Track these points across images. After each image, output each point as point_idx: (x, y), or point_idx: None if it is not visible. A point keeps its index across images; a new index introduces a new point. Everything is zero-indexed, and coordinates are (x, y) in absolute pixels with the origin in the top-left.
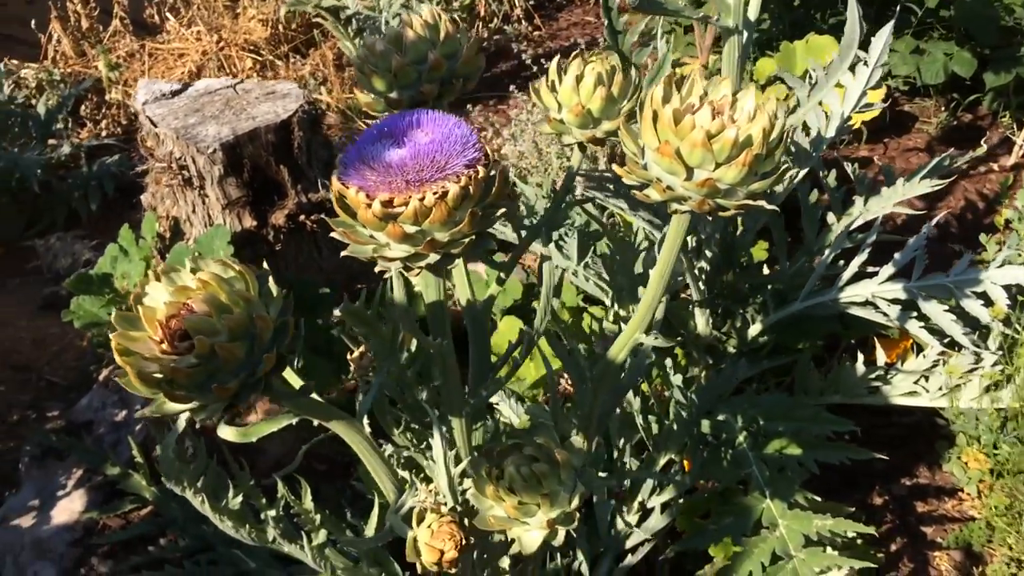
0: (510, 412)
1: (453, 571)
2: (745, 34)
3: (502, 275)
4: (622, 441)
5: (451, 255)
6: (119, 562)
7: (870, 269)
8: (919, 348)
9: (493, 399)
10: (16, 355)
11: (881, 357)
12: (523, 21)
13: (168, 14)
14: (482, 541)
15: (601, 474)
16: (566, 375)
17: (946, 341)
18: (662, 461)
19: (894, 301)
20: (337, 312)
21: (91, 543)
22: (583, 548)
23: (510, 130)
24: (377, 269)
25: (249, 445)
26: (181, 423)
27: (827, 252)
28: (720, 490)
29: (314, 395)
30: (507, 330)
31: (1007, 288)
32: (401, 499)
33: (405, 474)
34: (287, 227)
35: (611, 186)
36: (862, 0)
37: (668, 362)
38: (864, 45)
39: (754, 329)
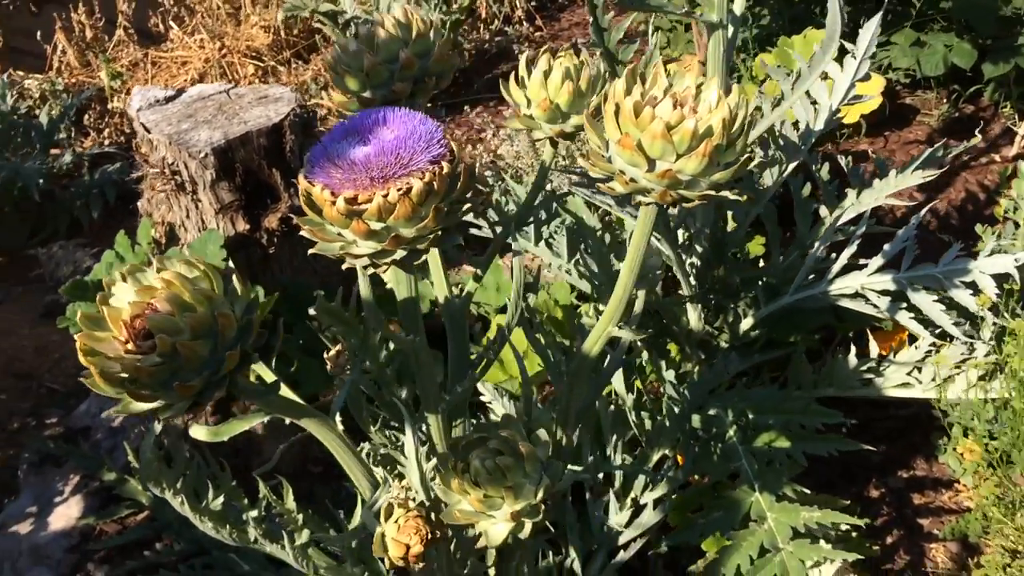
0: (502, 410)
1: (420, 565)
2: (731, 29)
3: (478, 272)
4: (614, 437)
5: (417, 251)
6: (115, 567)
7: (861, 261)
8: (914, 340)
9: (485, 397)
10: (18, 363)
11: (874, 349)
12: (524, 22)
13: (172, 23)
14: (458, 536)
15: (575, 467)
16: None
17: (938, 332)
18: (655, 457)
19: (884, 292)
20: (312, 311)
21: (88, 549)
22: (576, 545)
23: (507, 130)
24: (344, 267)
25: (246, 446)
26: (157, 425)
27: (817, 245)
28: (712, 484)
29: (292, 393)
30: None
31: (997, 277)
32: (375, 496)
33: (381, 471)
34: (280, 230)
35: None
36: None
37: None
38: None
39: (746, 323)
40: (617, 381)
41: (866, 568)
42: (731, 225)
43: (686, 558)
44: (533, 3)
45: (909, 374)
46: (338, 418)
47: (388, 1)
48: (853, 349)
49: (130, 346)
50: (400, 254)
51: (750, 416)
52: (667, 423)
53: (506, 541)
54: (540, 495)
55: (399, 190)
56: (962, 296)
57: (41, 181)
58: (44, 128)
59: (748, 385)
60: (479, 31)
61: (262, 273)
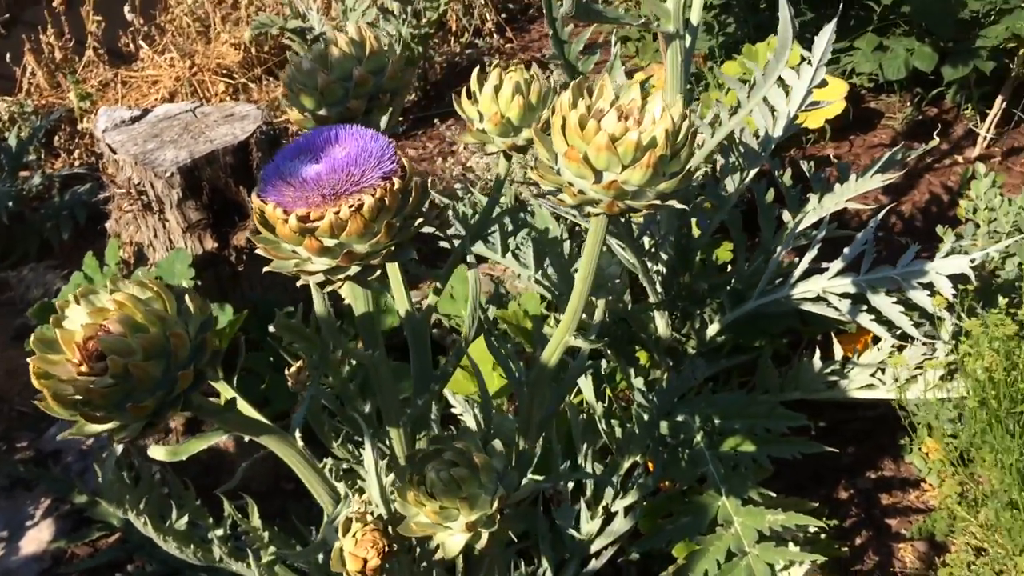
0: (472, 422)
1: None
2: (688, 39)
3: (438, 284)
4: (585, 446)
5: (371, 266)
6: None
7: (824, 265)
8: (879, 341)
9: (455, 409)
10: None
11: (838, 352)
12: (495, 34)
13: (142, 42)
14: (422, 548)
15: (536, 477)
16: None
17: (901, 333)
18: (626, 464)
19: (844, 295)
20: (272, 327)
21: (60, 572)
22: (547, 554)
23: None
24: (299, 283)
25: (216, 465)
26: (118, 447)
27: (779, 250)
28: (682, 490)
29: (252, 410)
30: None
31: (954, 278)
32: (336, 510)
33: (343, 487)
34: (249, 247)
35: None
36: (821, 0)
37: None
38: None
39: (712, 329)
40: (587, 390)
41: (835, 569)
42: (696, 232)
43: (658, 565)
44: (503, 15)
45: (873, 375)
46: (298, 434)
47: (357, 17)
48: (818, 352)
49: (83, 368)
50: (354, 270)
51: (716, 421)
52: (637, 430)
53: (464, 551)
54: (496, 505)
55: (351, 207)
56: (920, 297)
57: (11, 203)
58: (13, 150)
59: (717, 390)
60: (450, 44)
61: (231, 291)
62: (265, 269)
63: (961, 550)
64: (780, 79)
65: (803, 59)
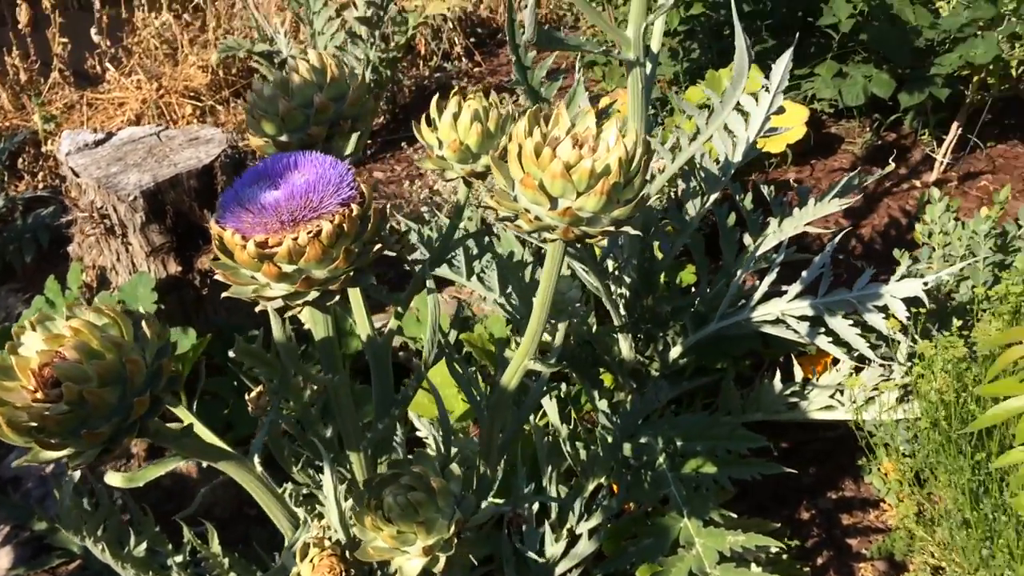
0: (437, 445)
1: None
2: (649, 66)
3: (399, 309)
4: (550, 468)
5: (330, 292)
6: None
7: (784, 288)
8: (838, 363)
9: (421, 433)
10: None
11: (799, 373)
12: (463, 58)
13: (108, 64)
14: (383, 572)
15: (497, 500)
16: None
17: (858, 355)
18: (591, 487)
19: (803, 318)
20: (232, 352)
21: None
22: None
23: None
24: (258, 309)
25: (179, 491)
26: (76, 473)
27: (739, 273)
28: (645, 512)
29: (211, 435)
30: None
31: (908, 300)
32: (295, 536)
33: (303, 512)
34: (213, 271)
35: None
36: (783, 27)
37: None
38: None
39: (675, 351)
40: (552, 412)
41: None
42: (658, 255)
43: None
44: (472, 40)
45: (832, 397)
46: (257, 459)
47: (325, 41)
48: (779, 374)
49: (39, 395)
50: (313, 295)
51: (679, 443)
52: (601, 453)
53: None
54: (453, 529)
55: (309, 233)
56: (875, 320)
57: None
58: None
59: (680, 412)
60: (419, 67)
61: (196, 315)
62: (223, 295)
63: (919, 569)
64: (740, 106)
65: (764, 86)
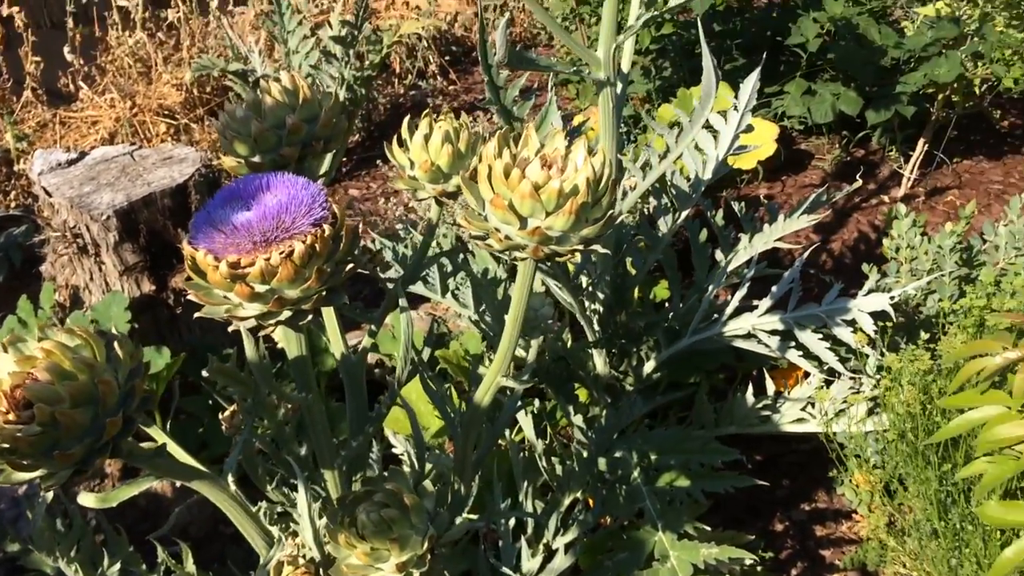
0: (412, 462)
1: None
2: (619, 85)
3: (373, 327)
4: (526, 484)
5: (303, 311)
6: None
7: (755, 302)
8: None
9: (396, 449)
10: None
11: (771, 387)
12: (438, 76)
13: (82, 83)
14: None
15: (472, 516)
16: None
17: (827, 368)
18: (566, 501)
19: (773, 332)
20: (205, 372)
21: None
22: None
23: None
24: (231, 329)
25: (154, 511)
26: (48, 494)
27: (710, 288)
28: (621, 526)
29: (185, 455)
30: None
31: (876, 314)
32: (269, 554)
33: (277, 530)
34: (187, 290)
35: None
36: (753, 47)
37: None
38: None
39: (649, 366)
40: (528, 428)
41: None
42: (631, 271)
43: None
44: (447, 58)
45: (804, 410)
46: (231, 478)
47: (299, 60)
48: (751, 387)
49: (10, 416)
50: (286, 315)
51: (653, 457)
52: (576, 467)
53: None
54: (426, 545)
55: (282, 253)
56: (844, 334)
57: None
58: None
59: (654, 426)
60: (394, 85)
61: (169, 334)
62: (196, 315)
63: None
64: (709, 124)
65: (734, 105)
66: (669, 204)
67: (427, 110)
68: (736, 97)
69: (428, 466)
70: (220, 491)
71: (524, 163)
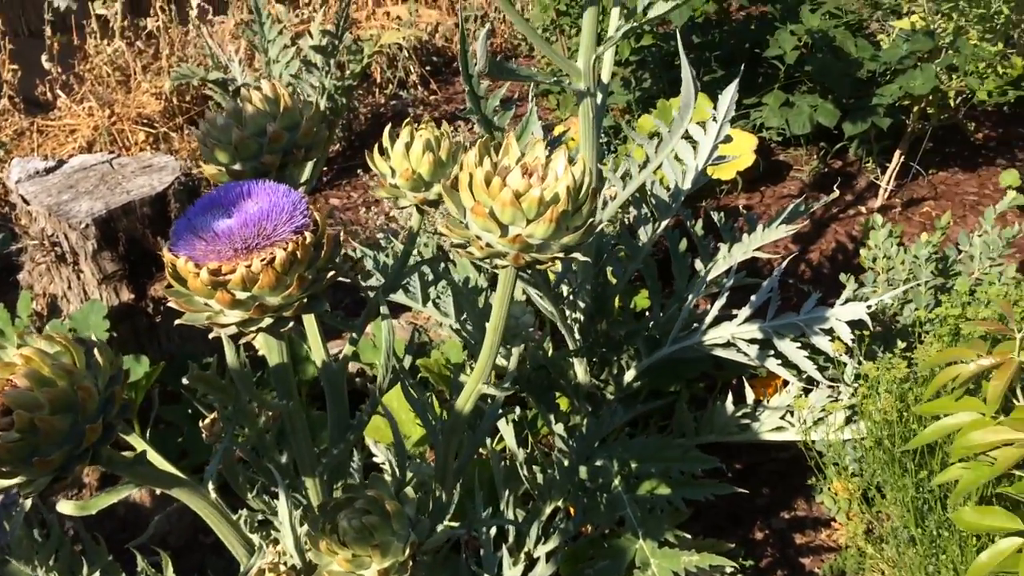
0: (393, 470)
1: None
2: (599, 96)
3: (354, 335)
4: (507, 492)
5: (284, 318)
6: None
7: (734, 311)
8: (787, 384)
9: (377, 459)
10: None
11: (750, 395)
12: (419, 86)
13: (60, 91)
14: None
15: (453, 523)
16: None
17: (806, 376)
18: (548, 510)
19: (752, 341)
20: (185, 379)
21: None
22: None
23: None
24: (212, 336)
25: (133, 520)
26: (27, 502)
27: (690, 298)
28: (602, 533)
29: (165, 463)
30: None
31: (853, 323)
32: (250, 562)
33: (258, 538)
34: (167, 298)
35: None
36: (732, 58)
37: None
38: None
39: (629, 375)
40: (509, 436)
41: None
42: (612, 280)
43: None
44: (427, 68)
45: (783, 418)
46: (212, 486)
47: (280, 69)
48: (731, 396)
49: None
50: (267, 322)
51: (633, 465)
52: (558, 476)
53: None
54: (408, 552)
55: (263, 260)
56: (822, 342)
57: None
58: None
59: (635, 434)
60: (374, 95)
61: (149, 342)
62: (177, 322)
63: None
64: (689, 135)
65: (713, 116)
66: (649, 214)
67: (408, 119)
68: (715, 108)
69: (409, 474)
70: (200, 499)
71: (505, 171)
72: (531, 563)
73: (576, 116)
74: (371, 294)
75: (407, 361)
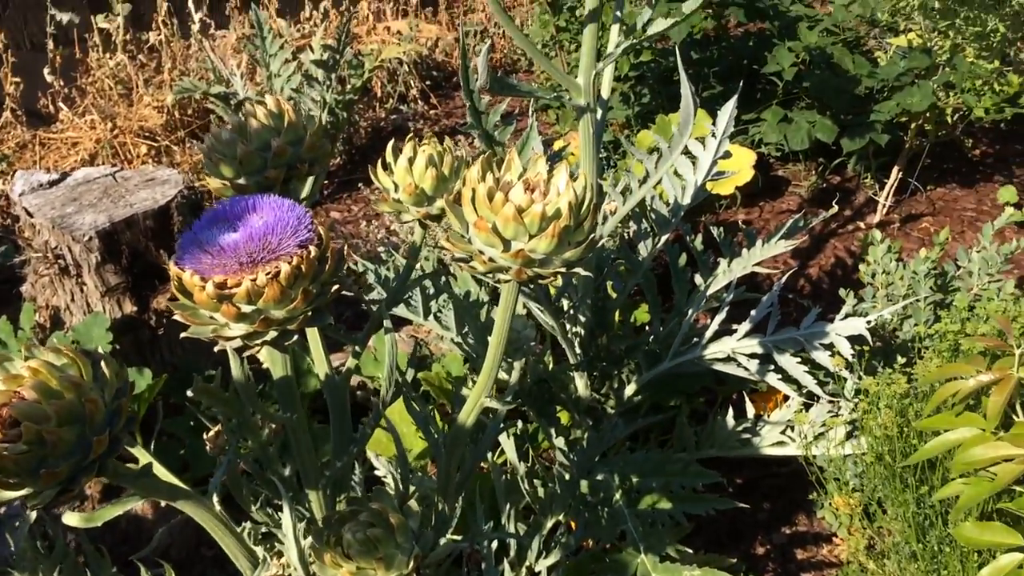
0: (396, 483)
1: None
2: (599, 111)
3: (357, 348)
4: (508, 506)
5: (288, 331)
6: None
7: (734, 326)
8: (788, 399)
9: (378, 472)
10: None
11: (750, 410)
12: (419, 101)
13: (62, 104)
14: None
15: (456, 537)
16: None
17: (806, 391)
18: (549, 524)
19: (753, 355)
20: (190, 392)
21: None
22: None
23: None
24: (217, 349)
25: (135, 533)
26: (32, 515)
27: (690, 312)
28: (603, 548)
29: (170, 475)
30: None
31: (852, 339)
32: (254, 574)
33: (262, 550)
34: (169, 311)
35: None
36: (730, 74)
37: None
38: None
39: (630, 389)
40: (510, 450)
41: None
42: (612, 295)
43: None
44: (428, 83)
45: (783, 433)
46: (216, 498)
47: (281, 83)
48: (731, 411)
49: None
50: (271, 335)
51: (635, 479)
52: (559, 490)
53: None
54: (412, 565)
55: (268, 274)
56: (822, 357)
57: None
58: None
59: (636, 449)
60: (375, 109)
61: (151, 355)
62: (183, 335)
63: None
64: (688, 150)
65: (712, 132)
66: (649, 229)
67: (410, 134)
68: (714, 124)
69: (411, 487)
70: (205, 511)
71: (507, 187)
72: None
73: (575, 131)
74: (373, 307)
75: (410, 375)
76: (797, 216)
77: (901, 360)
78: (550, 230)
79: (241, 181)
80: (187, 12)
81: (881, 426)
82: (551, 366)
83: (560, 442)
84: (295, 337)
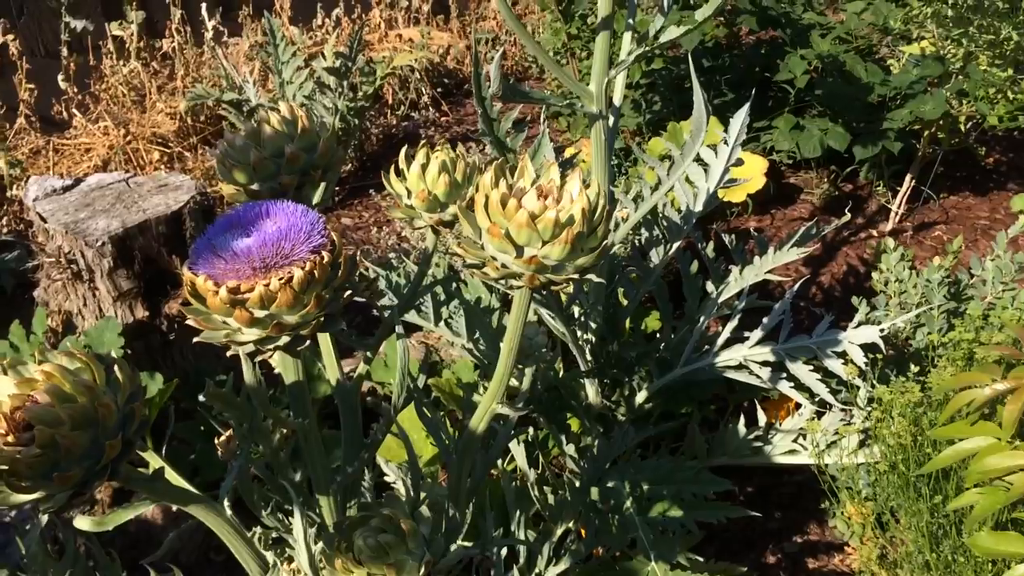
0: (406, 489)
1: None
2: (611, 118)
3: (368, 354)
4: (518, 513)
5: (301, 337)
6: None
7: (746, 334)
8: (799, 407)
9: (388, 478)
10: None
11: (762, 418)
12: (430, 108)
13: (75, 110)
14: None
15: (466, 543)
16: None
17: (818, 399)
18: (559, 531)
19: (764, 363)
20: (202, 397)
21: None
22: None
23: None
24: (229, 353)
25: (144, 538)
26: (43, 519)
27: (702, 320)
28: (613, 556)
29: (181, 479)
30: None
31: (865, 346)
32: None
33: (272, 555)
34: (181, 316)
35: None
36: (742, 82)
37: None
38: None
39: (640, 396)
40: (520, 457)
41: None
42: (623, 302)
43: None
44: (439, 90)
45: (795, 441)
46: (227, 503)
47: (294, 90)
48: (743, 418)
49: (10, 438)
50: (284, 340)
51: (645, 487)
52: (569, 497)
53: None
54: (423, 571)
55: (281, 279)
56: (834, 365)
57: None
58: None
59: (646, 456)
60: (386, 116)
61: (162, 360)
62: (195, 339)
63: None
64: (700, 158)
65: (724, 139)
66: (660, 236)
67: (423, 141)
68: (726, 131)
69: (422, 493)
70: (216, 515)
71: (520, 193)
72: None
73: (587, 138)
74: (385, 313)
75: (421, 380)
76: (809, 224)
77: (915, 369)
78: (563, 236)
79: (254, 187)
80: (200, 20)
81: (895, 435)
82: (562, 373)
83: (571, 449)
84: (307, 342)
